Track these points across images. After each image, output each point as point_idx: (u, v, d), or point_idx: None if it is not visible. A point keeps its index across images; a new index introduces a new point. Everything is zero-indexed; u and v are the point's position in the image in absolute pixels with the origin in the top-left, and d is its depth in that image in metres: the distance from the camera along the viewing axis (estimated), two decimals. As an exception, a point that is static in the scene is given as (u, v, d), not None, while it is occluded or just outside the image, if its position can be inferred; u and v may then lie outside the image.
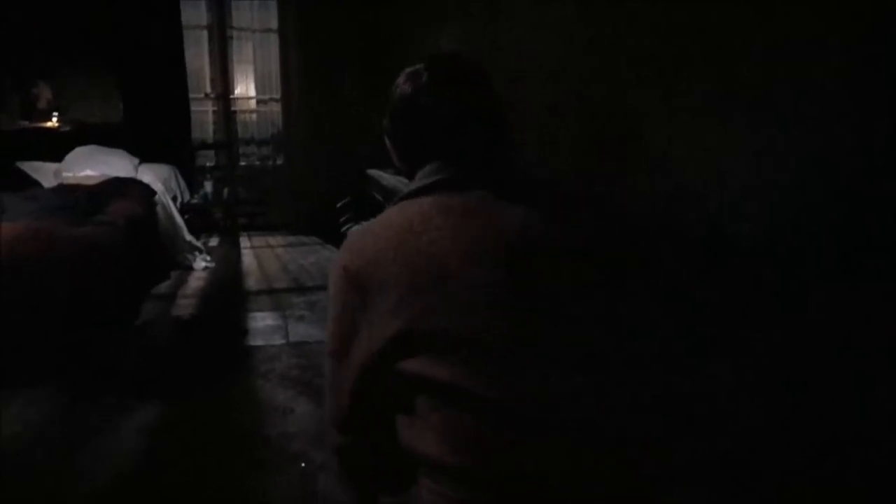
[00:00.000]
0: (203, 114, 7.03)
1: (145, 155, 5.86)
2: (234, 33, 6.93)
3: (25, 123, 5.78)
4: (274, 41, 6.94)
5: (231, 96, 7.02)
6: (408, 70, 1.14)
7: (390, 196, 4.81)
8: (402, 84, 1.13)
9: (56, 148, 5.55)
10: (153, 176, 5.53)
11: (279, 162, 7.24)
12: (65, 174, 5.26)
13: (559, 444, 0.93)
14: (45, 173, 5.33)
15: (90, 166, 5.36)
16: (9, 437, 2.61)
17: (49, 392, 3.03)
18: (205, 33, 6.86)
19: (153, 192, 4.95)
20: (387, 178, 4.73)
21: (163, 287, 4.66)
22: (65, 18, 5.93)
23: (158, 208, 5.04)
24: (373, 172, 4.98)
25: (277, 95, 7.02)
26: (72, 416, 2.82)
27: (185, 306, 4.32)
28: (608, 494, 0.94)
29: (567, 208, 1.08)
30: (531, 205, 1.04)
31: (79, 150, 5.59)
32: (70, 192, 4.20)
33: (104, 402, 2.90)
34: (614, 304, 1.05)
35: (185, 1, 6.42)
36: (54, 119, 5.81)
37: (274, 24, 6.91)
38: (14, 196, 4.19)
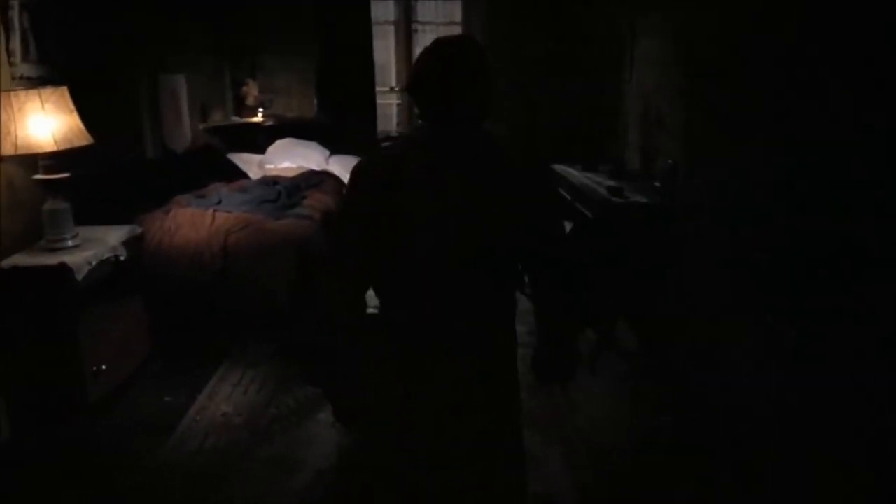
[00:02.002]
0: (387, 106, 7.09)
1: (334, 147, 5.99)
2: (419, 27, 6.88)
3: (236, 119, 6.13)
4: (457, 32, 6.81)
5: (414, 89, 6.98)
6: (423, 48, 1.48)
7: (579, 195, 4.51)
8: (418, 58, 1.47)
9: (261, 140, 5.86)
10: (342, 167, 5.62)
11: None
12: (267, 165, 5.50)
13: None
14: (251, 164, 5.60)
15: (289, 158, 5.56)
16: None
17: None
18: (391, 28, 6.88)
19: (343, 184, 5.00)
20: (576, 175, 4.38)
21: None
22: (272, 22, 6.21)
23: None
24: (559, 168, 4.65)
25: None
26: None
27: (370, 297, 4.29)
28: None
29: (492, 155, 1.49)
30: (475, 155, 1.45)
31: (279, 143, 5.84)
32: (272, 186, 4.31)
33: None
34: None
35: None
36: (260, 114, 6.11)
37: (458, 16, 6.76)
38: (226, 186, 4.40)
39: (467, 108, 1.42)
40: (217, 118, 5.93)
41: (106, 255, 2.73)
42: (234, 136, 5.90)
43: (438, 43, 1.45)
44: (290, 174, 5.04)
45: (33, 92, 2.52)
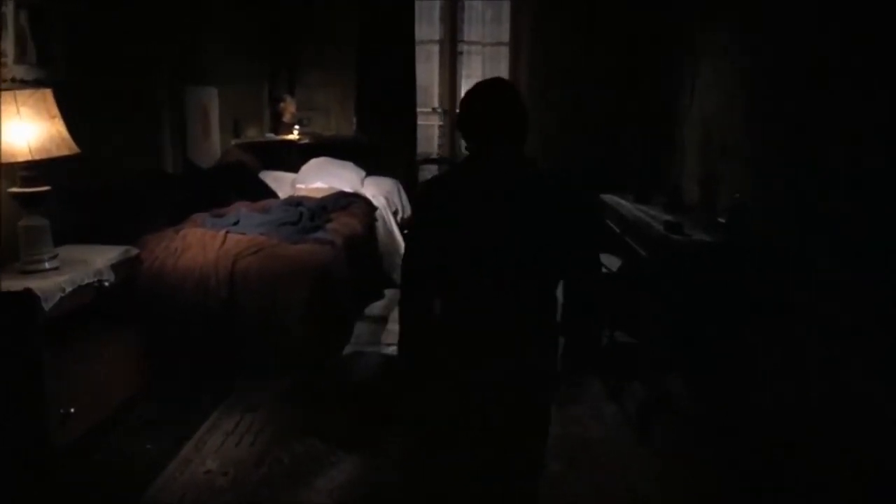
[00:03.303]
0: (429, 128, 6.68)
1: (371, 168, 5.62)
2: (465, 48, 6.48)
3: (271, 136, 5.81)
4: (504, 55, 6.38)
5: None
6: (468, 90, 1.75)
7: (630, 229, 3.96)
8: (464, 99, 1.73)
9: (297, 158, 5.52)
10: (377, 189, 5.23)
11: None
12: (297, 185, 5.14)
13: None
14: (284, 183, 5.25)
15: (321, 178, 5.19)
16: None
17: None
18: (436, 48, 6.50)
19: (374, 208, 4.59)
20: (627, 206, 3.85)
21: (376, 307, 4.25)
22: (313, 38, 5.92)
23: (378, 223, 4.67)
24: (609, 198, 4.13)
25: (503, 111, 6.43)
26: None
27: (394, 332, 3.84)
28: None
29: (530, 179, 1.67)
30: (514, 179, 1.65)
31: (313, 162, 5.49)
32: (295, 207, 3.92)
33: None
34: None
35: (419, 15, 6.12)
36: (296, 132, 5.78)
37: (505, 37, 6.34)
38: (250, 206, 4.03)
39: (504, 140, 1.65)
40: (251, 134, 5.62)
41: (87, 280, 2.35)
42: (269, 153, 5.56)
43: (478, 87, 1.72)
44: (320, 195, 4.66)
45: (8, 94, 2.17)
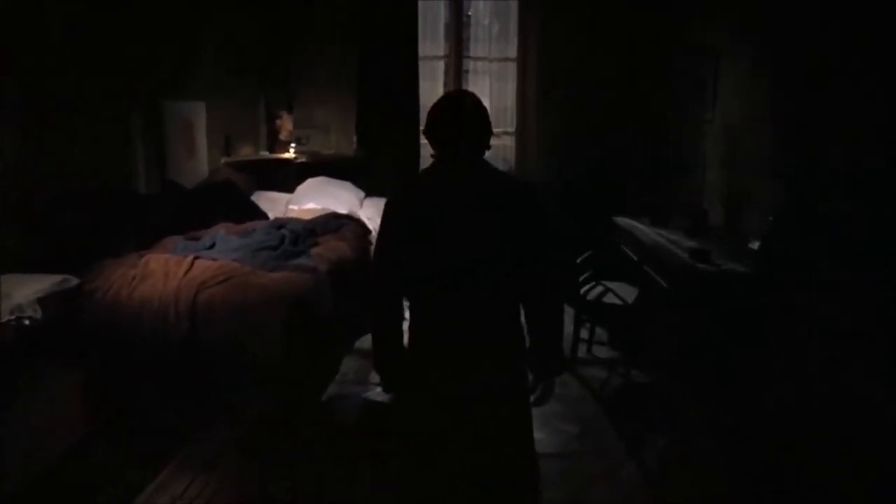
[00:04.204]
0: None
1: (372, 188, 5.23)
2: (471, 64, 6.10)
3: (265, 154, 5.45)
4: (511, 72, 5.99)
5: (462, 129, 6.18)
6: (435, 101, 1.78)
7: (648, 256, 3.51)
8: (431, 108, 1.75)
9: (295, 178, 5.14)
10: (375, 210, 4.83)
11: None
12: (290, 206, 4.76)
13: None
14: (279, 204, 4.88)
15: (315, 199, 4.81)
16: None
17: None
18: (441, 64, 6.13)
19: (368, 231, 4.18)
20: (643, 230, 3.39)
21: (369, 340, 3.80)
22: (312, 53, 5.58)
23: (373, 247, 4.26)
24: (623, 221, 3.68)
25: (511, 128, 6.03)
26: None
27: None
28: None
29: (493, 184, 1.71)
30: (479, 185, 1.69)
31: (309, 182, 5.11)
32: (278, 230, 3.52)
33: None
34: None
35: (423, 32, 5.78)
36: (291, 150, 5.41)
37: (512, 53, 5.96)
38: (231, 228, 3.64)
39: (469, 147, 1.70)
40: (246, 152, 5.25)
41: (5, 318, 1.94)
42: (265, 172, 5.21)
43: (445, 98, 1.80)
44: (311, 216, 4.26)
45: None
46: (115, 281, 2.68)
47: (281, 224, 3.67)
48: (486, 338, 1.69)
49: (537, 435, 2.82)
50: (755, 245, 2.83)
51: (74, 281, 2.38)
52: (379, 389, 3.23)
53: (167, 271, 2.79)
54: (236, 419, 2.61)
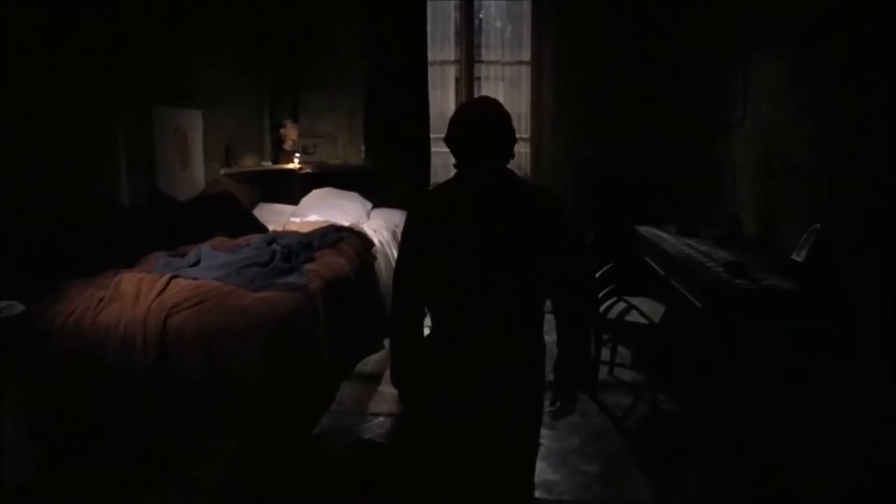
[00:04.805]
0: (445, 155, 5.97)
1: (381, 198, 4.93)
2: (483, 71, 5.79)
3: (268, 164, 5.19)
4: (525, 76, 5.67)
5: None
6: (457, 108, 1.74)
7: (675, 268, 3.12)
8: (452, 117, 1.68)
9: (301, 189, 4.87)
10: (383, 222, 4.54)
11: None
12: (292, 218, 4.48)
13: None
14: (283, 216, 4.60)
15: (318, 211, 4.52)
16: None
17: None
18: (452, 70, 5.83)
19: (371, 244, 3.86)
20: (670, 241, 3.01)
21: (370, 362, 3.49)
22: (319, 60, 5.32)
23: (379, 261, 3.93)
24: (646, 231, 3.30)
25: (526, 134, 5.70)
26: None
27: (389, 397, 3.08)
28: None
29: (518, 196, 1.63)
30: (503, 196, 1.61)
31: (315, 193, 4.84)
32: (269, 245, 3.22)
33: None
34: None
35: (433, 36, 5.49)
36: (296, 160, 5.14)
37: (526, 56, 5.63)
38: (221, 243, 3.35)
39: (492, 157, 1.64)
40: (249, 163, 5.00)
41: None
42: (269, 184, 4.94)
43: (467, 105, 1.76)
44: (314, 228, 3.96)
45: None
46: (78, 304, 2.40)
47: (273, 238, 3.37)
48: (507, 350, 1.64)
49: (553, 476, 2.51)
50: (800, 256, 2.44)
51: (20, 307, 2.09)
52: (379, 420, 2.94)
53: (138, 293, 2.50)
54: (210, 458, 2.29)
